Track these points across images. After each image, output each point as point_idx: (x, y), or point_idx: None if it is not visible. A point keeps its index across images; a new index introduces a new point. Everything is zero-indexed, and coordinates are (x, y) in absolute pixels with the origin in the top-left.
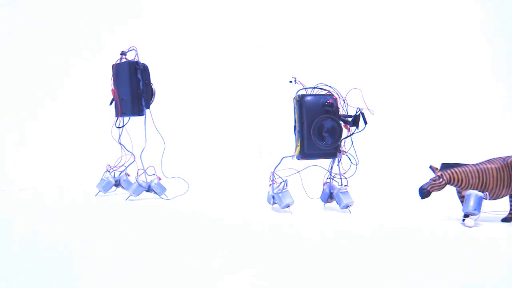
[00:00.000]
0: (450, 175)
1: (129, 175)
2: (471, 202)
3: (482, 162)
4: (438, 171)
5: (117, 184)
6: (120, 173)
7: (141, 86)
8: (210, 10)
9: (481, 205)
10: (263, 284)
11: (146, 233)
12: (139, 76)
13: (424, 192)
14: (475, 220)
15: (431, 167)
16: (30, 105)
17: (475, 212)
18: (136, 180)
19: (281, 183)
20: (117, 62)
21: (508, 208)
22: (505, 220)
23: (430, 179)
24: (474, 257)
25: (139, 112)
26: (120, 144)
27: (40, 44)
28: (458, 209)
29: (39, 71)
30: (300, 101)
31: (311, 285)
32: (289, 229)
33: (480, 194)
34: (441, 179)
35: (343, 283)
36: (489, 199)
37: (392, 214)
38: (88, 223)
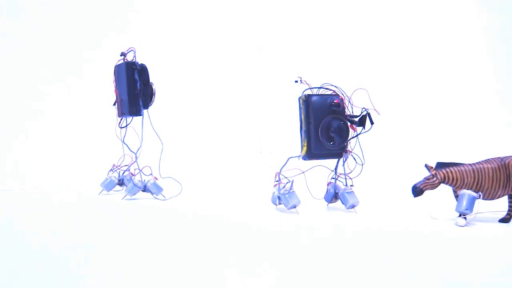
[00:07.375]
0: (444, 174)
1: (134, 175)
2: (464, 202)
3: (479, 162)
4: (433, 170)
5: (121, 183)
6: (123, 173)
7: (138, 87)
8: (211, 10)
9: (473, 205)
10: (270, 284)
11: (140, 233)
12: (136, 76)
13: (417, 190)
14: (467, 220)
15: (426, 165)
16: (32, 105)
17: (467, 211)
18: (131, 180)
19: (287, 183)
20: (118, 63)
21: (507, 209)
22: (503, 220)
23: (424, 178)
24: (471, 257)
25: (137, 112)
26: (124, 143)
27: (44, 45)
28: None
29: (41, 71)
30: (306, 101)
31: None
32: (296, 230)
33: (473, 194)
34: (435, 178)
35: (350, 283)
36: (484, 199)
37: (397, 214)
38: (79, 223)
